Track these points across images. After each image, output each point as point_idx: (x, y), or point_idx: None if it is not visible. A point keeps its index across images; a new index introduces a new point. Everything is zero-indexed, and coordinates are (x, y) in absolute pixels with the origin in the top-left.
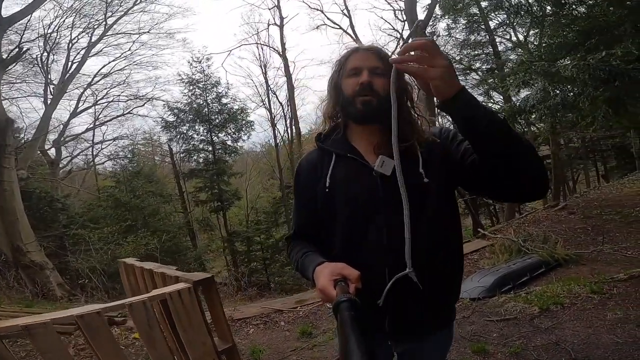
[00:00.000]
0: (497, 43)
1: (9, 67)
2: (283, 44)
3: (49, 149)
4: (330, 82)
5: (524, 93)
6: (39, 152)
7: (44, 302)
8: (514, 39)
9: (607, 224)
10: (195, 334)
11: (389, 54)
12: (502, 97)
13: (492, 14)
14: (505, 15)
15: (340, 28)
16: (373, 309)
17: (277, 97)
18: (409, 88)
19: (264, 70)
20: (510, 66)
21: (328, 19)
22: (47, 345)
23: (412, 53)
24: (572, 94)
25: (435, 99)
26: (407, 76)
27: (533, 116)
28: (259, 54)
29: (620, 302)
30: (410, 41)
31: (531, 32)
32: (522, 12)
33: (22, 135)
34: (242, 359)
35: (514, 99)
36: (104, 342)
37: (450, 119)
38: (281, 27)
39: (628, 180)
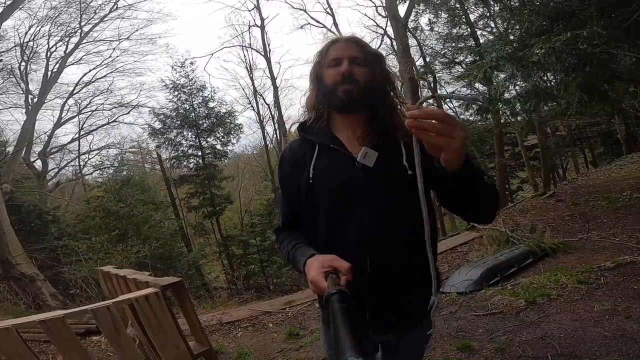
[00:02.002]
0: (479, 36)
1: None
2: (265, 45)
3: (35, 161)
4: (312, 73)
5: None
6: (25, 165)
7: (37, 313)
8: (495, 30)
9: (595, 210)
10: (168, 338)
11: (369, 44)
12: (486, 88)
13: (473, 7)
14: (484, 8)
15: (325, 27)
16: (355, 299)
17: (264, 98)
18: (392, 77)
19: (249, 72)
20: (491, 57)
21: (312, 18)
22: (11, 349)
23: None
24: (541, 80)
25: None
26: (391, 65)
27: (518, 106)
28: (244, 56)
29: (607, 292)
30: (428, 107)
31: (511, 22)
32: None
33: (4, 148)
34: None
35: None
36: (69, 347)
37: (452, 182)
38: (262, 28)
39: (615, 166)
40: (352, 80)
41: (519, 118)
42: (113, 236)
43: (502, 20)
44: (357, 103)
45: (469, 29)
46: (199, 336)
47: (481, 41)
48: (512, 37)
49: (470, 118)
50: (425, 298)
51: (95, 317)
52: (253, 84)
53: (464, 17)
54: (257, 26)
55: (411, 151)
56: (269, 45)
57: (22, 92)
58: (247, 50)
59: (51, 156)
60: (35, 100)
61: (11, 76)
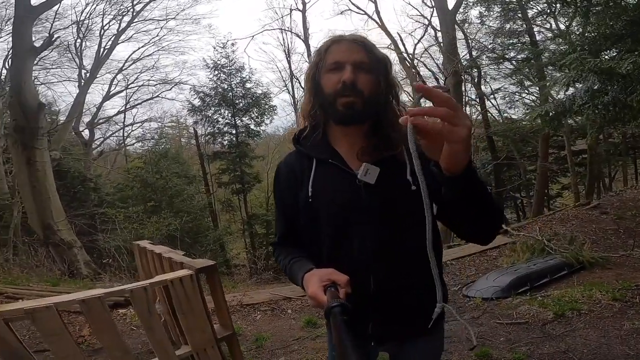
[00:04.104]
0: (535, 32)
1: (43, 54)
2: (305, 30)
3: (83, 130)
4: (307, 75)
5: (566, 91)
6: (73, 134)
7: (70, 281)
8: (554, 28)
9: None
10: (196, 321)
11: (375, 46)
12: (537, 88)
13: (531, 2)
14: (545, 4)
15: (366, 14)
16: (358, 315)
17: (299, 82)
18: (397, 86)
19: (287, 55)
20: (548, 56)
21: (353, 4)
22: (50, 328)
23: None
24: (626, 92)
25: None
26: (395, 73)
27: (570, 115)
28: (283, 39)
29: None
30: (431, 89)
31: (574, 22)
32: (564, 1)
33: (56, 118)
34: (245, 345)
35: (554, 93)
36: (105, 327)
37: (450, 189)
38: (303, 12)
39: None
40: (354, 91)
41: (570, 122)
42: (148, 207)
43: (564, 19)
44: (359, 117)
45: (524, 25)
46: (225, 320)
47: (538, 38)
48: (573, 37)
49: (514, 116)
50: (429, 308)
51: (132, 297)
52: (290, 67)
53: (519, 12)
54: (299, 10)
55: (412, 162)
56: (308, 29)
57: (76, 66)
58: (285, 34)
59: (98, 126)
60: (88, 75)
61: (67, 52)
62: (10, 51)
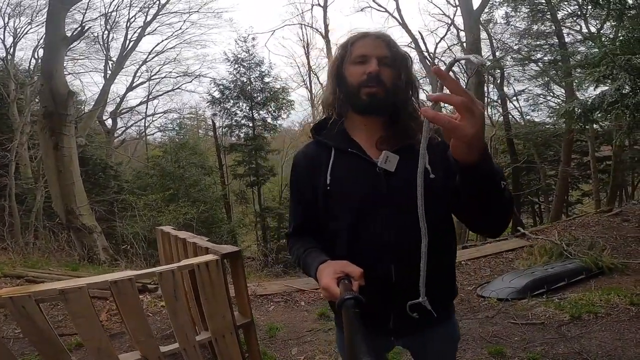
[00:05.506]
0: (565, 34)
1: (73, 45)
2: (326, 26)
3: (106, 119)
4: (331, 67)
5: (595, 89)
6: (97, 122)
7: (88, 266)
8: (584, 30)
9: None
10: (217, 307)
11: (397, 44)
12: (563, 91)
13: (562, 4)
14: (577, 6)
15: (386, 11)
16: (379, 307)
17: (318, 78)
18: (417, 82)
19: (306, 51)
20: (578, 59)
21: (374, 1)
22: (80, 309)
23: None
24: None
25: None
26: (415, 71)
27: (599, 114)
28: (303, 35)
29: None
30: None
31: (606, 24)
32: (599, 3)
33: (83, 107)
34: (258, 334)
35: (579, 94)
36: (132, 309)
37: (461, 178)
38: (325, 8)
39: None
40: (378, 82)
41: (595, 126)
42: (166, 195)
43: (596, 21)
44: (381, 107)
45: (553, 26)
46: (244, 308)
47: (567, 40)
48: (605, 40)
49: (537, 119)
50: (446, 299)
51: (160, 280)
52: (309, 63)
53: (549, 13)
54: (320, 6)
55: (432, 152)
56: (328, 25)
57: (102, 58)
58: (305, 29)
59: (121, 116)
60: (114, 66)
61: (95, 43)
62: (41, 41)
